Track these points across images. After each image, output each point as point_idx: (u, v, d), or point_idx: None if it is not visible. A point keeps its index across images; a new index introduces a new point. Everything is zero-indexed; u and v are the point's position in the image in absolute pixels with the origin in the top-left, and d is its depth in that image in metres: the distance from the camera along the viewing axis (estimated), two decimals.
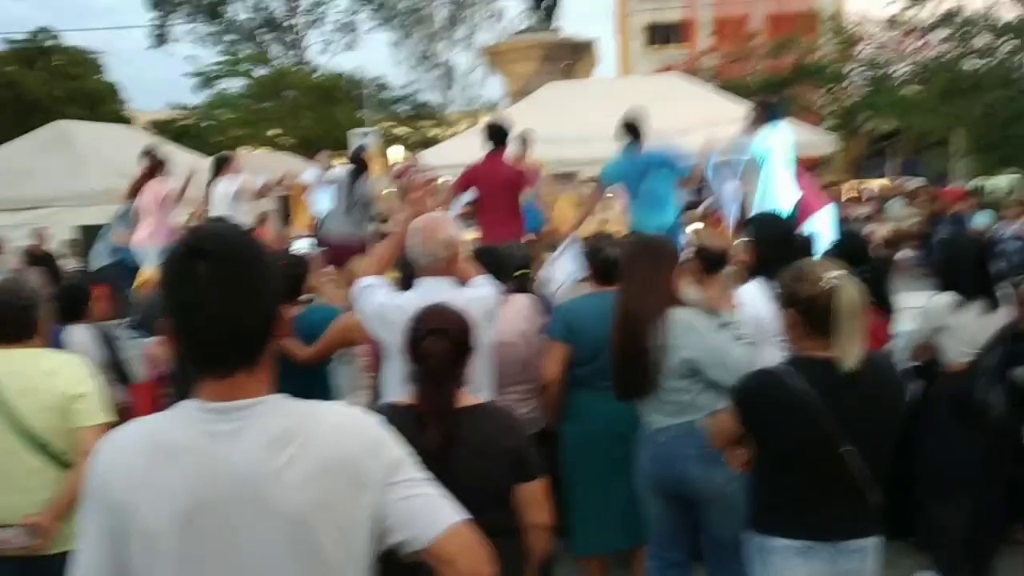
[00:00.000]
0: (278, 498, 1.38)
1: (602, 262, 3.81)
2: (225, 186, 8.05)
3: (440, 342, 2.44)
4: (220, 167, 8.23)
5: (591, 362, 3.57)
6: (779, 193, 6.12)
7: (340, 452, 1.42)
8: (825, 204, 6.09)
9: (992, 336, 3.67)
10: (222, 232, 1.49)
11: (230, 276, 1.39)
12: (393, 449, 1.50)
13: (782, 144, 6.19)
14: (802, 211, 5.85)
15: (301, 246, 8.07)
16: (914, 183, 13.54)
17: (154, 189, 8.06)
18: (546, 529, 2.54)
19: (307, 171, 10.90)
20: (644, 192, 6.44)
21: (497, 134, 6.72)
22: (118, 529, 1.40)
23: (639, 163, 6.49)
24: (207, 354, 1.42)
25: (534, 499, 2.51)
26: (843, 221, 9.88)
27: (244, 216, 7.99)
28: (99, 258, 8.42)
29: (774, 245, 3.66)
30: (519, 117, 13.72)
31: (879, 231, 11.68)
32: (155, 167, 8.23)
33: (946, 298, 3.90)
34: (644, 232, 6.21)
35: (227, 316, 1.38)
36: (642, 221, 6.40)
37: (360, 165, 8.51)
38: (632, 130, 6.59)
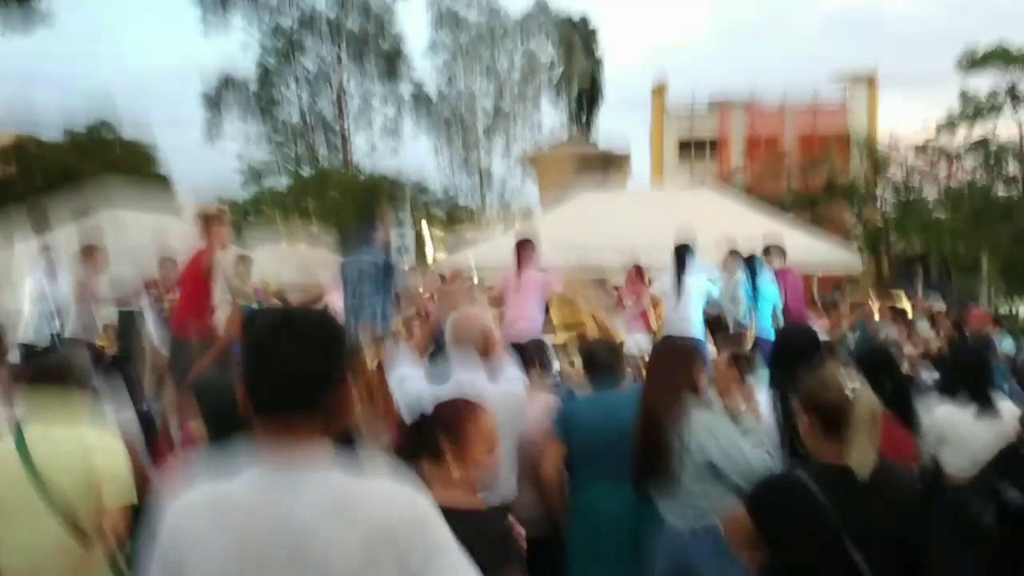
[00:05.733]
0: (327, 560, 1.48)
1: (596, 366, 3.92)
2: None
3: None
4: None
5: (592, 458, 3.61)
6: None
7: (389, 523, 1.52)
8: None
9: (993, 454, 3.71)
10: (311, 312, 1.74)
11: (314, 352, 1.57)
12: (439, 529, 1.59)
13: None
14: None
15: None
16: (937, 305, 13.55)
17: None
18: None
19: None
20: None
21: None
22: None
23: None
24: (279, 420, 1.56)
25: None
26: (872, 338, 9.94)
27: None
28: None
29: (785, 356, 3.77)
30: (554, 224, 14.09)
31: (908, 350, 11.61)
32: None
33: (945, 409, 3.96)
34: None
35: (305, 387, 1.55)
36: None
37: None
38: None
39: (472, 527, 2.31)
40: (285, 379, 1.56)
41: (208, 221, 7.03)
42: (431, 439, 2.41)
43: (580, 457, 3.69)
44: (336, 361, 1.61)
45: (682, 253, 7.44)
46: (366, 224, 6.33)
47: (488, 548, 2.27)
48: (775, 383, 3.69)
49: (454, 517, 2.28)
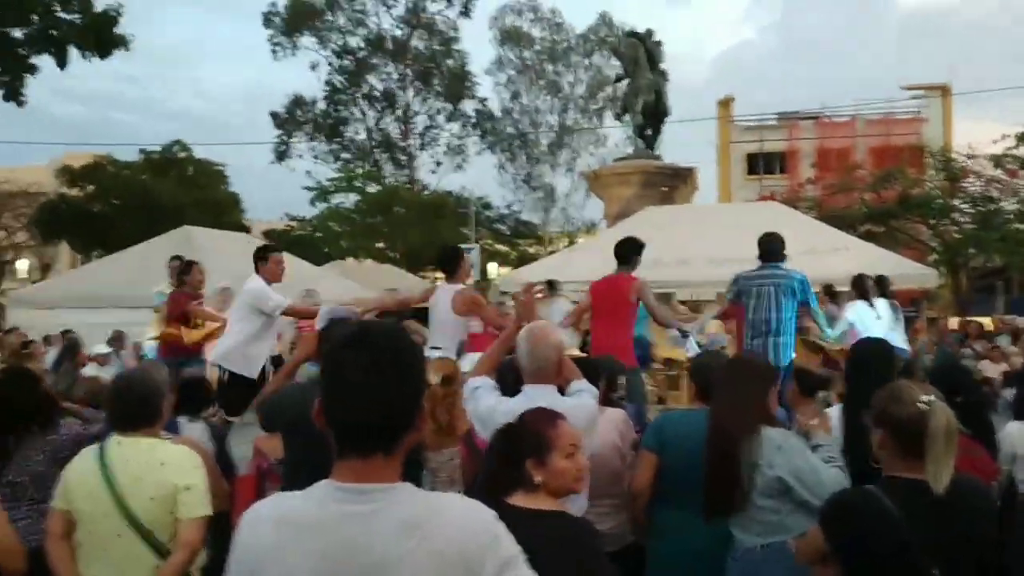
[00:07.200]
0: None
1: (707, 379, 3.79)
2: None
3: None
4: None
5: (683, 477, 3.55)
6: None
7: (461, 543, 1.52)
8: None
9: None
10: (386, 328, 1.67)
11: (389, 368, 1.55)
12: (508, 547, 1.58)
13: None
14: None
15: None
16: (1020, 321, 13.08)
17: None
18: None
19: None
20: None
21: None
22: None
23: None
24: (355, 436, 1.56)
25: None
26: (948, 354, 9.67)
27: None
28: None
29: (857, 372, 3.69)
30: (618, 239, 14.02)
31: (989, 369, 11.25)
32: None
33: (1014, 425, 3.85)
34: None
35: (381, 403, 1.54)
36: None
37: None
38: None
39: (554, 529, 2.32)
40: (365, 417, 1.54)
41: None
42: (521, 470, 2.41)
43: (670, 471, 3.64)
44: (415, 393, 1.59)
45: (885, 281, 8.55)
46: (775, 242, 6.62)
47: (570, 552, 2.28)
48: (846, 398, 3.62)
49: (536, 519, 2.29)
